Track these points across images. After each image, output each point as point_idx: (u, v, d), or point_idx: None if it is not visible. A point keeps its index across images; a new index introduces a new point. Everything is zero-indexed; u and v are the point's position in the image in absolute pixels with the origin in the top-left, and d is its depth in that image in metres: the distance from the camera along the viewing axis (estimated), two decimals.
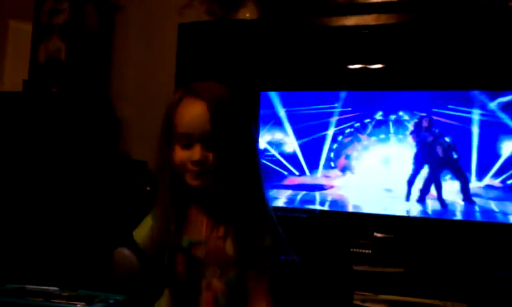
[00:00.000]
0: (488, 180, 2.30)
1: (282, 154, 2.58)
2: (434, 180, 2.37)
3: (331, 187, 2.50)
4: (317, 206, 2.49)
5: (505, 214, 2.26)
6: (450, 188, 2.34)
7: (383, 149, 2.45)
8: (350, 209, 2.46)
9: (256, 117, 2.59)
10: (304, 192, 2.54)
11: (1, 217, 2.62)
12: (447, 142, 2.37)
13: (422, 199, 2.37)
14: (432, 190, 2.36)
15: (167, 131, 1.23)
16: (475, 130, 2.32)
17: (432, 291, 2.13)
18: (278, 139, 2.59)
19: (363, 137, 2.48)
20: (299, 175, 2.55)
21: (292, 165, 2.56)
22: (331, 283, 2.22)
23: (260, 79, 2.63)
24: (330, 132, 2.51)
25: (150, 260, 1.31)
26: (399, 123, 2.44)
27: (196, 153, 1.19)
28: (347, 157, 2.49)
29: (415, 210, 2.38)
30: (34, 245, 2.55)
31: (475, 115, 2.32)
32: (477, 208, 2.30)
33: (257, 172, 1.26)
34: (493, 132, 2.30)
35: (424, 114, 2.39)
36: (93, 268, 2.40)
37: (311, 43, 2.58)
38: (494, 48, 2.30)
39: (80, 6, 2.89)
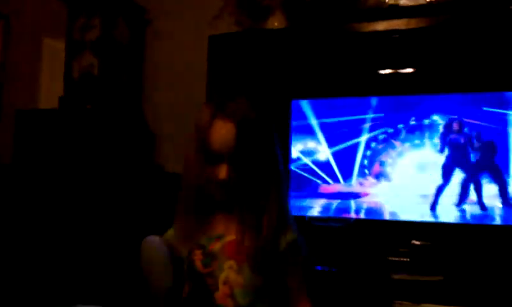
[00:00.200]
0: None
1: (315, 163, 2.58)
2: (472, 184, 2.33)
3: (366, 194, 2.48)
4: (353, 215, 2.48)
5: None
6: (489, 193, 2.30)
7: (417, 154, 2.43)
8: (386, 217, 2.44)
9: (287, 125, 2.59)
10: (339, 201, 2.53)
11: (40, 233, 2.67)
12: (483, 145, 2.33)
13: (460, 205, 2.34)
14: (471, 195, 2.33)
15: (198, 147, 1.32)
16: None
17: (473, 299, 2.09)
18: (311, 148, 2.58)
19: (396, 142, 2.45)
20: (333, 183, 2.54)
21: (326, 174, 2.56)
22: (369, 292, 2.21)
23: (290, 87, 2.63)
24: (363, 139, 2.49)
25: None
26: (433, 127, 2.41)
27: (222, 172, 1.28)
28: (382, 163, 2.47)
29: (453, 215, 2.35)
30: (73, 260, 2.59)
31: None
32: None
33: (279, 184, 1.34)
34: None
35: (455, 117, 2.36)
36: (131, 281, 2.43)
37: (341, 49, 2.57)
38: None
39: (111, 21, 2.93)
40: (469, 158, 2.35)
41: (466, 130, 2.35)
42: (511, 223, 2.26)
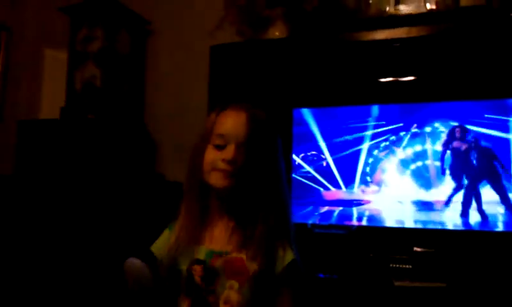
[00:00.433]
0: None
1: (317, 170, 2.57)
2: (474, 191, 2.33)
3: (368, 201, 2.47)
4: (355, 222, 2.47)
5: None
6: (491, 199, 2.30)
7: (419, 161, 2.43)
8: (388, 224, 2.43)
9: (289, 133, 2.59)
10: (341, 208, 2.52)
11: (43, 244, 2.67)
12: (485, 152, 2.33)
13: (462, 211, 2.33)
14: (474, 202, 2.32)
15: (207, 131, 1.34)
16: None
17: (476, 306, 2.08)
18: (312, 155, 2.58)
19: (398, 150, 2.45)
20: (335, 191, 2.54)
21: (328, 181, 2.55)
22: (371, 299, 2.20)
23: (292, 96, 2.64)
24: (365, 147, 2.49)
25: (166, 270, 1.36)
26: (435, 135, 2.41)
27: (229, 152, 1.29)
28: (384, 170, 2.47)
29: (455, 222, 2.34)
30: (76, 269, 2.59)
31: None
32: None
33: (281, 188, 1.34)
34: None
35: (457, 124, 2.36)
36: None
37: (342, 58, 2.57)
38: None
39: (113, 33, 2.95)
40: (472, 164, 2.35)
41: (469, 137, 2.35)
42: None
